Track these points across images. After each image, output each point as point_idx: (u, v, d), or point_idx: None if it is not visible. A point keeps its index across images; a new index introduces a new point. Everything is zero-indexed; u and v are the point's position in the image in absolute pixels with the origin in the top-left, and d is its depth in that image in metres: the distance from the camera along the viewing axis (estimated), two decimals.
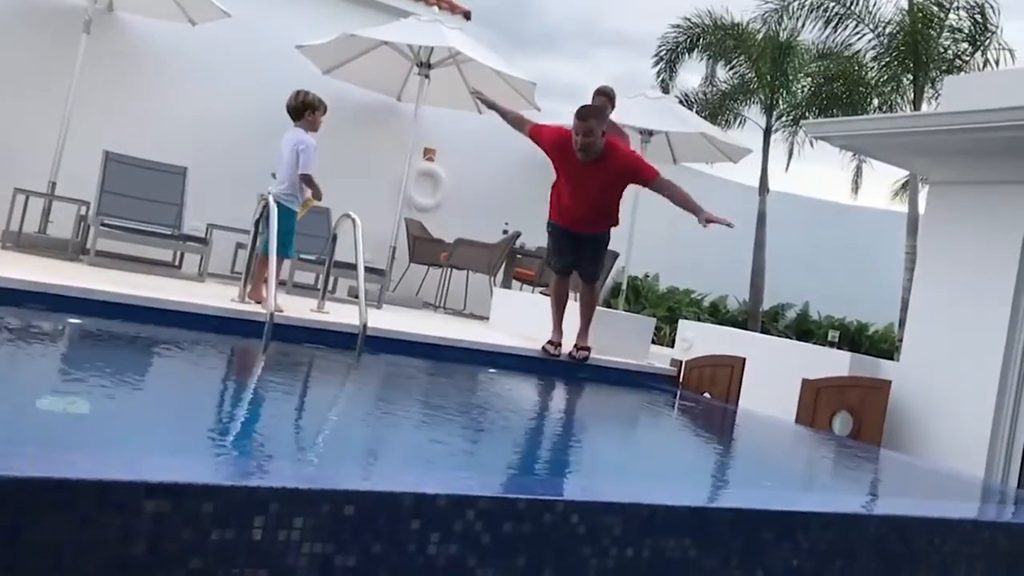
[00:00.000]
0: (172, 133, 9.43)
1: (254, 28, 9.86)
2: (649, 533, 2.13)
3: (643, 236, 11.29)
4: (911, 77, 13.55)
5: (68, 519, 1.56)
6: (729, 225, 5.51)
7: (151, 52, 9.77)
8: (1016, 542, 2.89)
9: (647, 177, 5.76)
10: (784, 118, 15.28)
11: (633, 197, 11.06)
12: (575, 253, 6.16)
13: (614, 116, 9.07)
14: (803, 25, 14.25)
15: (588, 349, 6.11)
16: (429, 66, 9.88)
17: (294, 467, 2.30)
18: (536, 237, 10.59)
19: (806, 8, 13.91)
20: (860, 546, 2.50)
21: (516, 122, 6.43)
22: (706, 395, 6.39)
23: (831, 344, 10.98)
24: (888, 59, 13.74)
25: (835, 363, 6.49)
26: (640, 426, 5.41)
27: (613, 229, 6.20)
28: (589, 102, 8.14)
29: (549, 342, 6.10)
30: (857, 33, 13.91)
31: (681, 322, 8.19)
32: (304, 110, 6.27)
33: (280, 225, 5.56)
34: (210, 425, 2.86)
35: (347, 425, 3.41)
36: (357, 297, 5.28)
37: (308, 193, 6.31)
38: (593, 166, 5.72)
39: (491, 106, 6.55)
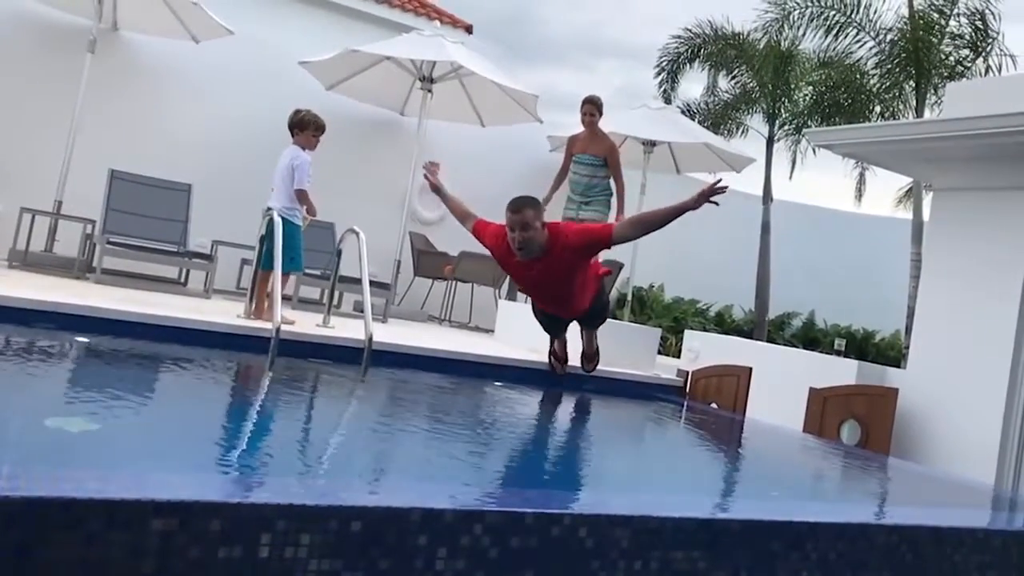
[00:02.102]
0: (176, 150, 9.47)
1: (257, 45, 9.91)
2: (657, 545, 2.12)
3: (648, 247, 11.27)
4: (913, 84, 13.55)
5: (76, 538, 1.56)
6: (723, 188, 4.75)
7: (155, 70, 9.82)
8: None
9: (606, 238, 4.99)
10: (787, 127, 15.29)
11: (636, 209, 11.07)
12: (567, 323, 5.81)
13: (610, 125, 9.11)
14: (804, 34, 14.27)
15: (596, 360, 6.08)
16: (432, 80, 9.92)
17: (300, 484, 2.30)
18: None
19: (807, 17, 13.94)
20: (870, 556, 2.48)
21: (461, 216, 5.81)
22: (713, 405, 6.38)
23: (837, 352, 10.95)
24: (890, 66, 13.75)
25: (842, 371, 6.47)
26: (647, 437, 5.40)
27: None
28: (578, 111, 8.20)
29: (554, 354, 6.05)
30: (858, 41, 13.93)
31: (687, 332, 8.18)
32: (298, 128, 6.37)
33: (285, 240, 5.57)
34: (216, 442, 2.86)
35: (353, 441, 3.40)
36: (362, 311, 5.28)
37: (303, 209, 6.38)
38: (540, 262, 4.99)
39: (437, 191, 5.91)
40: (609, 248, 5.20)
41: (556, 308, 5.54)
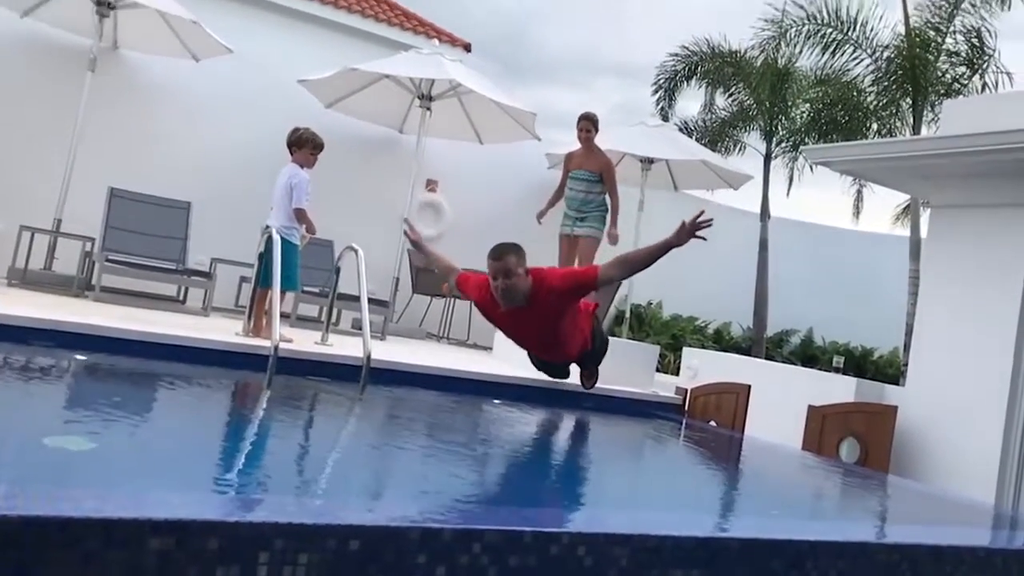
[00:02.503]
0: (176, 168, 9.50)
1: (256, 63, 9.96)
2: (656, 564, 2.11)
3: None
4: (910, 101, 13.61)
5: (74, 557, 1.55)
6: (707, 222, 4.55)
7: (155, 89, 9.86)
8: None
9: (591, 281, 4.87)
10: (784, 144, 15.33)
11: (634, 226, 11.10)
12: (567, 366, 5.67)
13: (608, 142, 9.15)
14: (801, 51, 14.34)
15: (595, 378, 6.06)
16: (430, 98, 9.96)
17: (298, 502, 2.29)
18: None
19: (804, 35, 14.01)
20: (870, 575, 2.48)
21: (444, 270, 5.78)
22: (712, 423, 6.37)
23: (836, 370, 10.95)
24: (886, 84, 13.81)
25: (841, 389, 6.47)
26: (646, 455, 5.38)
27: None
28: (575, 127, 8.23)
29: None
30: (855, 58, 13.99)
31: (685, 350, 8.18)
32: (296, 146, 6.40)
33: (282, 258, 5.58)
34: (214, 461, 2.85)
35: (351, 459, 3.40)
36: (361, 329, 5.28)
37: (303, 228, 6.39)
38: (527, 310, 4.87)
39: (417, 246, 5.86)
40: (596, 290, 5.07)
41: (552, 354, 5.42)
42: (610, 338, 6.19)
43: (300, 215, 6.31)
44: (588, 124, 8.16)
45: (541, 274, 4.86)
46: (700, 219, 4.45)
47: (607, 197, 8.25)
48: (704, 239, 4.49)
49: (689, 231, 4.50)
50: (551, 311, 4.88)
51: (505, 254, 4.70)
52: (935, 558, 2.64)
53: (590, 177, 8.17)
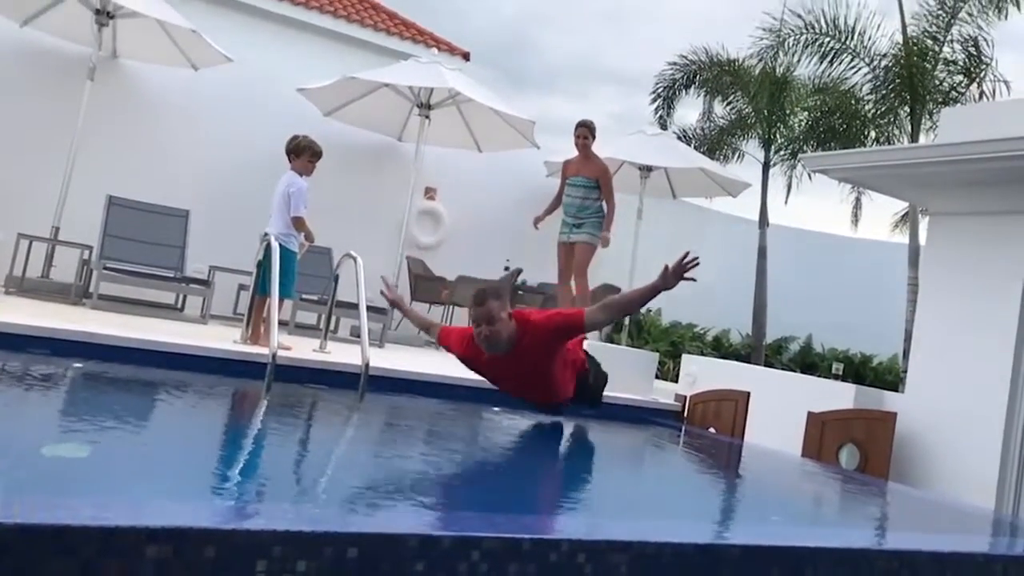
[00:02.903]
0: (174, 176, 9.50)
1: (256, 72, 9.98)
2: (656, 571, 2.10)
3: (644, 271, 11.30)
4: (908, 110, 13.63)
5: (70, 566, 1.54)
6: (694, 261, 4.30)
7: (154, 97, 9.87)
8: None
9: (578, 324, 4.58)
10: (782, 152, 15.36)
11: (633, 234, 11.10)
12: (563, 406, 5.34)
13: (606, 150, 9.15)
14: (799, 60, 14.37)
15: (599, 406, 5.89)
16: (429, 107, 9.98)
17: (296, 510, 2.28)
18: (538, 274, 10.62)
19: (801, 43, 14.04)
20: None
21: (424, 326, 5.59)
22: (711, 430, 6.36)
23: (835, 377, 10.94)
24: (884, 92, 13.84)
25: (840, 396, 6.46)
26: (645, 462, 5.37)
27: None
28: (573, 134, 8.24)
29: None
30: (853, 67, 14.02)
31: (684, 357, 8.17)
32: (295, 154, 6.41)
33: (280, 266, 5.58)
34: (212, 468, 2.84)
35: (350, 466, 3.39)
36: (359, 337, 5.28)
37: (301, 236, 6.39)
38: (512, 355, 4.59)
39: (396, 305, 5.66)
40: (584, 332, 4.80)
41: (544, 396, 5.14)
42: (610, 344, 6.15)
43: (298, 223, 6.31)
44: (585, 131, 8.18)
45: (525, 317, 4.60)
46: (686, 261, 4.25)
47: (604, 204, 8.25)
48: (693, 279, 4.29)
49: (676, 273, 4.29)
50: (538, 354, 4.61)
51: (486, 299, 4.43)
52: (935, 565, 2.63)
53: (587, 183, 8.17)
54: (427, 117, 9.98)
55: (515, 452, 4.69)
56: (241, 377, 5.04)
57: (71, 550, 1.55)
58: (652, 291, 4.43)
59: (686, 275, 4.27)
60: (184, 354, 5.05)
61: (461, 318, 10.93)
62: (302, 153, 6.42)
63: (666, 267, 4.27)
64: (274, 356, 4.71)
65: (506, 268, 10.78)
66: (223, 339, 5.90)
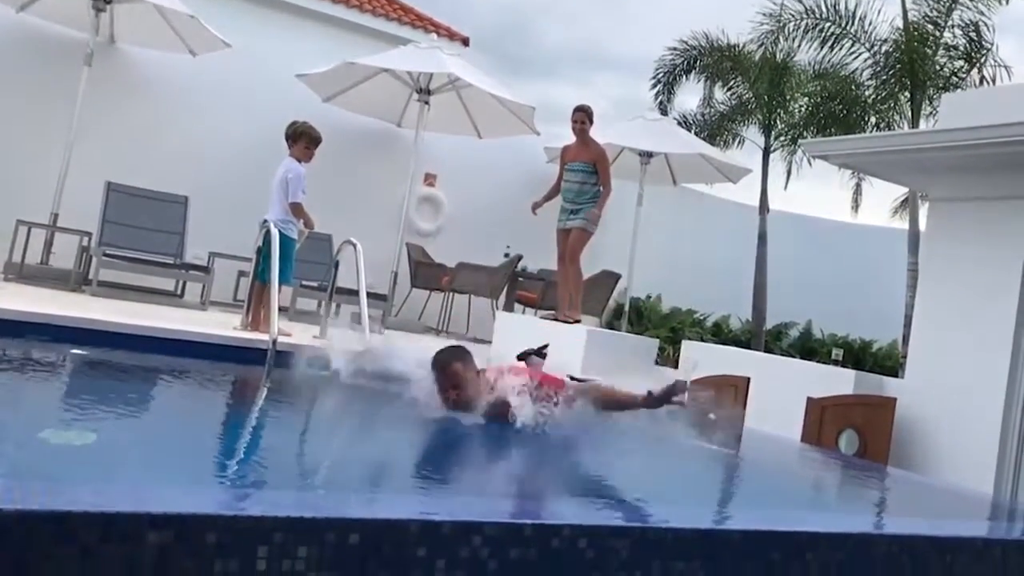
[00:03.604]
0: (173, 163, 9.48)
1: (254, 58, 9.94)
2: (657, 556, 2.11)
3: (644, 257, 11.30)
4: (908, 95, 13.60)
5: (71, 552, 1.55)
6: (684, 388, 3.93)
7: (152, 83, 9.84)
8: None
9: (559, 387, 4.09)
10: (782, 138, 15.32)
11: (633, 220, 11.09)
12: None
13: (607, 136, 9.12)
14: (799, 45, 14.32)
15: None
16: (429, 92, 9.95)
17: (298, 496, 2.29)
18: (538, 260, 10.61)
19: (802, 29, 13.99)
20: (870, 566, 2.47)
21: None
22: (711, 416, 6.36)
23: (835, 362, 10.95)
24: (885, 77, 13.80)
25: (840, 381, 6.46)
26: (646, 448, 5.37)
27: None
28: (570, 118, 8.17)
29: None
30: (853, 52, 13.97)
31: (684, 343, 8.18)
32: (293, 139, 6.38)
33: (279, 252, 5.57)
34: (212, 454, 2.85)
35: (348, 451, 3.39)
36: (360, 323, 5.28)
37: (300, 223, 6.36)
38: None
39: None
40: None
41: None
42: (611, 331, 6.10)
43: (296, 209, 6.29)
44: (582, 116, 8.15)
45: (492, 375, 4.04)
46: (673, 395, 3.87)
47: (601, 188, 8.23)
48: (681, 404, 3.92)
49: (659, 401, 3.92)
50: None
51: (450, 362, 3.95)
52: (935, 549, 2.64)
53: (585, 168, 8.15)
54: (426, 103, 9.95)
55: (519, 440, 4.68)
56: (241, 363, 5.04)
57: (72, 536, 1.55)
58: (635, 405, 4.04)
59: (674, 399, 3.90)
60: (184, 340, 5.04)
61: (461, 304, 10.94)
62: (300, 139, 6.40)
63: (649, 392, 3.91)
64: (274, 342, 4.71)
65: (506, 254, 10.77)
66: (223, 325, 5.91)
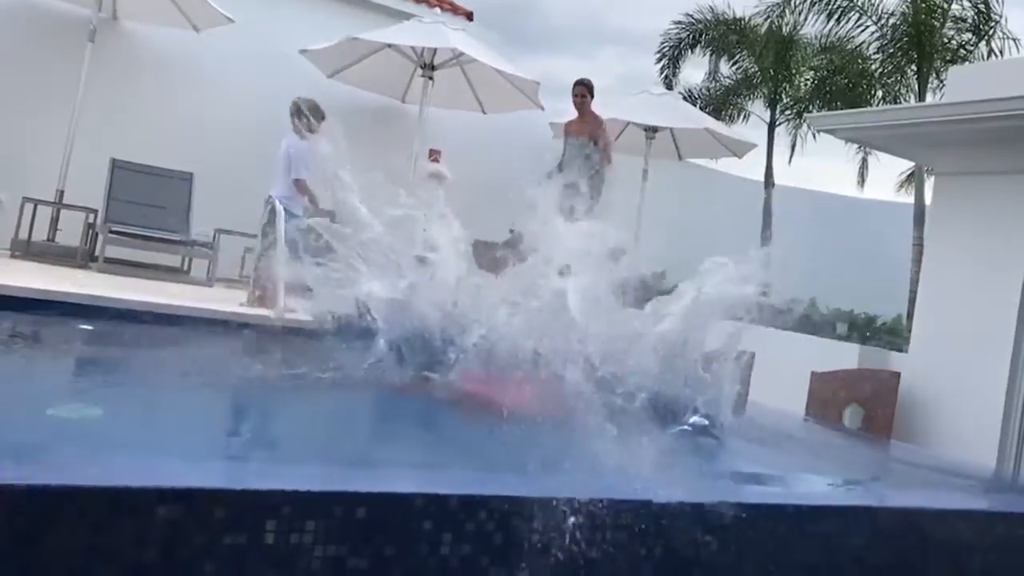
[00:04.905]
0: (178, 139, 9.46)
1: (258, 33, 9.89)
2: (661, 530, 2.13)
3: (649, 232, 11.27)
4: (915, 68, 13.49)
5: (81, 526, 1.57)
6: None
7: (156, 59, 9.80)
8: None
9: None
10: (788, 112, 15.23)
11: (638, 194, 11.05)
12: None
13: (611, 111, 9.08)
14: (805, 19, 14.19)
15: None
16: (433, 68, 9.89)
17: (306, 470, 2.31)
18: None
19: (808, 1, 13.86)
20: (873, 538, 2.49)
21: None
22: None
23: (839, 337, 10.95)
24: (892, 51, 13.68)
25: (844, 356, 6.48)
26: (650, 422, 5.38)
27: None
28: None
29: None
30: (860, 25, 13.84)
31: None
32: (296, 115, 6.36)
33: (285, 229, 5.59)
34: (221, 429, 2.87)
35: (359, 428, 3.41)
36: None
37: (305, 200, 6.33)
38: None
39: None
40: None
41: None
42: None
43: (299, 186, 6.27)
44: (583, 89, 8.13)
45: None
46: None
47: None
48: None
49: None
50: None
51: None
52: (937, 522, 2.65)
53: (587, 142, 8.14)
54: (430, 78, 9.90)
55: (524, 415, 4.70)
56: (247, 339, 5.05)
57: (81, 511, 1.57)
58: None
59: None
60: (190, 316, 5.07)
61: None
62: (303, 115, 6.37)
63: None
64: (281, 318, 4.73)
65: (511, 231, 10.75)
66: (229, 301, 5.93)
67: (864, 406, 6.05)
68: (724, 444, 3.79)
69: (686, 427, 3.61)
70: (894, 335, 14.43)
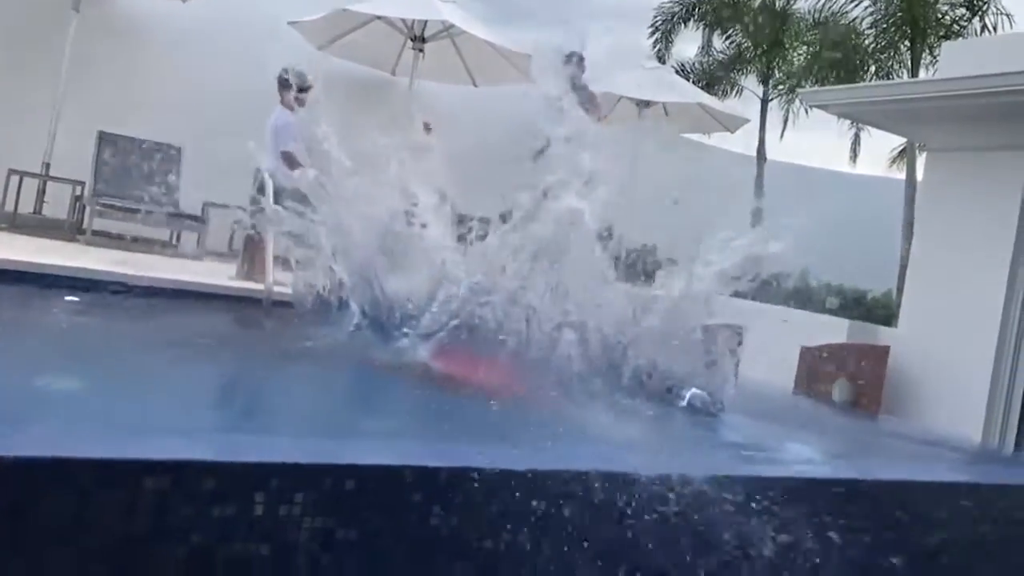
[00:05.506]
0: (166, 112, 9.36)
1: (246, 5, 9.79)
2: (653, 503, 2.13)
3: (641, 208, 11.23)
4: (908, 44, 13.45)
5: (69, 498, 1.56)
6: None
7: (143, 29, 9.68)
8: (1012, 502, 2.91)
9: None
10: (781, 87, 15.20)
11: (629, 169, 11.01)
12: None
13: (604, 85, 9.03)
14: None
15: None
16: (423, 40, 9.81)
17: (294, 442, 2.30)
18: None
19: None
20: (859, 510, 2.51)
21: None
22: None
23: (829, 311, 10.99)
24: (885, 26, 13.64)
25: (833, 330, 6.50)
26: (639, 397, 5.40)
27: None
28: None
29: None
30: (853, 1, 13.80)
31: None
32: (282, 87, 6.31)
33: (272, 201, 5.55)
34: (209, 402, 2.86)
35: (348, 398, 3.41)
36: None
37: (296, 173, 6.29)
38: None
39: None
40: None
41: None
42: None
43: (287, 158, 6.22)
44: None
45: None
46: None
47: None
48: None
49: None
50: None
51: None
52: (924, 494, 2.67)
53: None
54: (421, 51, 9.82)
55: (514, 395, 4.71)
56: (237, 312, 5.04)
57: (70, 482, 1.56)
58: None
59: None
60: (179, 289, 5.04)
61: None
62: (289, 87, 6.31)
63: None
64: (270, 291, 4.71)
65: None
66: (218, 274, 5.90)
67: (853, 380, 6.08)
68: (722, 419, 3.82)
69: (683, 401, 3.66)
70: (885, 310, 14.50)
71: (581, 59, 5.43)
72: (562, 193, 3.65)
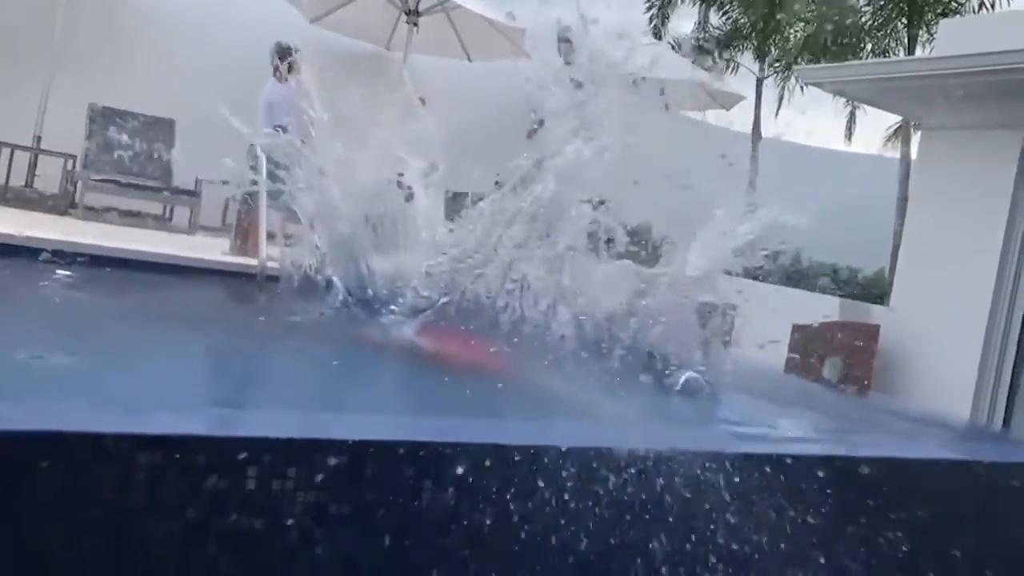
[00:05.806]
0: (158, 85, 9.29)
1: None
2: (640, 478, 2.15)
3: (632, 186, 11.21)
4: (905, 22, 13.40)
5: (63, 472, 1.56)
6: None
7: (134, 2, 9.59)
8: (998, 478, 2.94)
9: None
10: (777, 64, 15.14)
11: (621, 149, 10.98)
12: None
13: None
14: None
15: None
16: (417, 14, 9.74)
17: (287, 417, 2.31)
18: None
19: None
20: (847, 487, 2.53)
21: None
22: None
23: (821, 290, 11.02)
24: (882, 3, 13.58)
25: (825, 308, 6.52)
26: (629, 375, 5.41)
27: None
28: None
29: None
30: None
31: None
32: (272, 61, 6.27)
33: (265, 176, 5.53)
34: (202, 376, 2.87)
35: (343, 374, 3.41)
36: None
37: (283, 139, 6.26)
38: None
39: None
40: None
41: None
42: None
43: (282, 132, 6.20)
44: (566, 45, 8.03)
45: None
46: None
47: None
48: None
49: None
50: None
51: None
52: (911, 470, 2.70)
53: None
54: (415, 24, 9.75)
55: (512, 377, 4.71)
56: (230, 287, 5.03)
57: (63, 456, 1.56)
58: None
59: None
60: (172, 264, 5.03)
61: None
62: (283, 59, 6.27)
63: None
64: (263, 267, 4.71)
65: (496, 183, 10.69)
66: (211, 249, 5.88)
67: (844, 358, 6.11)
68: (717, 400, 3.83)
69: (678, 381, 3.67)
70: (877, 288, 14.54)
71: (568, 40, 5.38)
72: (564, 148, 3.61)
